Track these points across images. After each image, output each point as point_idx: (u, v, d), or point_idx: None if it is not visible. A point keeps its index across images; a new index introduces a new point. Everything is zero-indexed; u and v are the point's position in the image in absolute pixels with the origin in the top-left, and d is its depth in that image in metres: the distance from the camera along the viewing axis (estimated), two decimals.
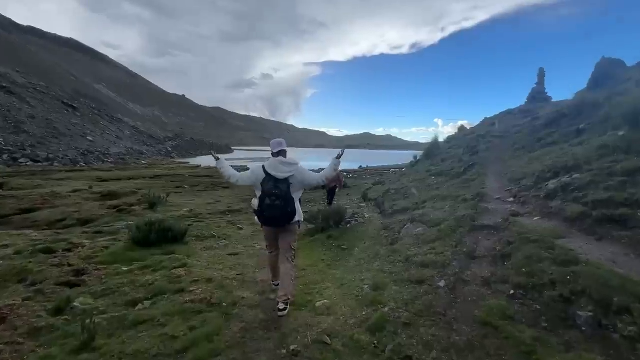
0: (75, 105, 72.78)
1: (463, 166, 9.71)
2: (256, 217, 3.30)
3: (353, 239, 6.29)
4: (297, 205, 3.27)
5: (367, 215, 8.34)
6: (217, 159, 3.54)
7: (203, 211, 10.07)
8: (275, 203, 3.05)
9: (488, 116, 18.29)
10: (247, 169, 3.55)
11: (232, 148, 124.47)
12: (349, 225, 7.52)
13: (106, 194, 11.16)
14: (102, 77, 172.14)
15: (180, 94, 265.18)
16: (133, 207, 9.09)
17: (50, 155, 38.79)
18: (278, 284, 3.48)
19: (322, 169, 3.49)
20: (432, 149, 14.25)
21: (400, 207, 7.51)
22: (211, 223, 7.94)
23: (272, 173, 3.12)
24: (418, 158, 14.95)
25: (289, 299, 3.22)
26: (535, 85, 17.92)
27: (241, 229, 7.56)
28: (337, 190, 11.12)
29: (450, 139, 16.02)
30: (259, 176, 3.18)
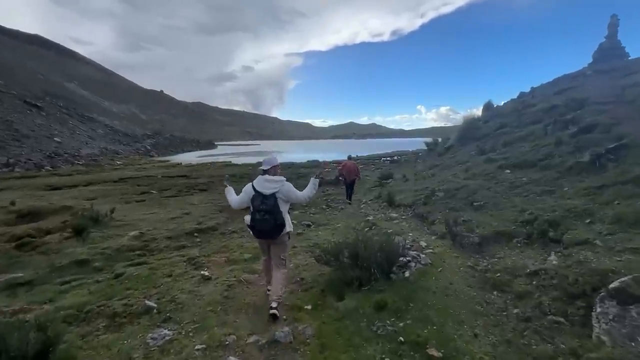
0: (39, 105, 67.22)
1: (583, 152, 6.30)
2: (250, 231, 3.55)
3: (432, 315, 3.16)
4: (287, 216, 3.52)
5: (428, 247, 5.08)
6: (226, 186, 3.95)
7: (160, 234, 7.18)
8: (264, 217, 3.30)
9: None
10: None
11: (216, 143, 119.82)
12: (407, 274, 4.06)
13: (25, 213, 8.10)
14: (74, 75, 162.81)
15: (158, 89, 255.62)
16: (49, 237, 6.11)
17: (11, 160, 34.68)
18: (275, 302, 3.46)
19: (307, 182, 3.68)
20: (470, 130, 11.05)
21: (491, 228, 4.60)
22: (160, 265, 5.04)
23: (260, 190, 3.40)
24: (448, 143, 11.85)
25: (280, 298, 3.54)
26: (604, 40, 14.87)
27: (208, 278, 4.50)
28: (356, 182, 10.38)
29: (483, 119, 12.74)
30: (249, 194, 3.47)
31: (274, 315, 3.31)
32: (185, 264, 5.03)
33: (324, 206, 10.52)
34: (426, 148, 24.37)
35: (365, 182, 16.80)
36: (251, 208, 3.40)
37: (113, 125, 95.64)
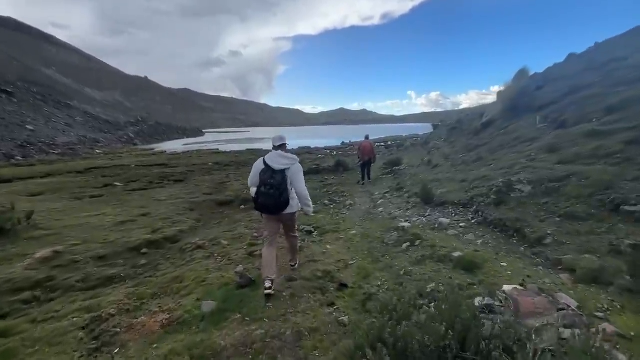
0: (10, 90, 62.64)
1: None
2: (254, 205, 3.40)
3: None
4: (295, 196, 3.40)
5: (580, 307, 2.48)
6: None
7: (89, 251, 4.76)
8: (269, 192, 3.18)
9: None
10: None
11: (203, 131, 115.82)
12: None
13: None
14: (53, 61, 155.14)
15: (143, 75, 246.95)
16: None
17: None
18: (269, 279, 3.25)
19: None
20: (521, 99, 8.31)
21: None
22: (26, 341, 2.59)
23: (270, 164, 3.28)
24: (486, 118, 9.01)
25: (295, 263, 3.87)
26: None
27: None
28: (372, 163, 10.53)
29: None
30: (259, 168, 3.33)
31: (268, 294, 3.17)
32: (81, 334, 2.62)
33: (326, 201, 8.19)
34: (431, 129, 22.01)
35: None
36: (258, 181, 3.28)
37: (95, 113, 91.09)
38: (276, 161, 3.28)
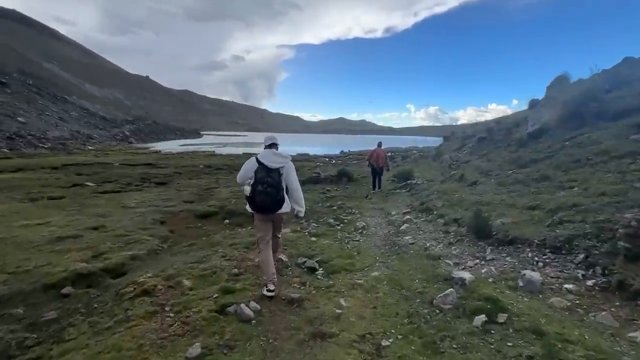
0: (4, 81, 60.92)
1: None
2: (247, 205, 3.33)
3: None
4: (286, 195, 3.36)
5: None
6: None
7: None
8: (267, 190, 3.14)
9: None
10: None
11: (202, 133, 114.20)
12: None
13: None
14: (54, 55, 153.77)
15: (144, 75, 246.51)
16: None
17: None
18: (271, 282, 3.22)
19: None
20: (585, 105, 6.55)
21: None
22: None
23: (265, 162, 3.22)
24: (533, 127, 7.02)
25: (281, 257, 3.84)
26: None
27: None
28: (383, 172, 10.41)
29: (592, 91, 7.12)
30: (252, 166, 3.27)
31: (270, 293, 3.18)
32: None
33: (331, 220, 6.55)
34: (442, 141, 20.64)
35: (370, 180, 12.88)
36: (253, 180, 3.21)
37: (93, 109, 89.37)
38: (271, 160, 3.26)
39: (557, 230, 3.59)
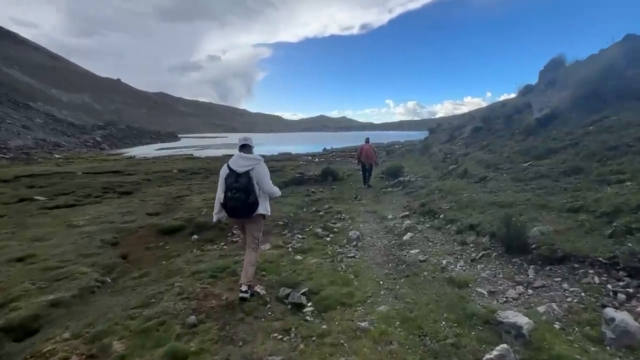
0: None
1: None
2: (215, 213, 3.48)
3: None
4: (262, 198, 3.33)
5: None
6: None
7: None
8: (235, 195, 3.13)
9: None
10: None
11: (179, 136, 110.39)
12: None
13: None
14: (16, 59, 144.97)
15: (115, 77, 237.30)
16: None
17: None
18: (244, 285, 3.19)
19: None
20: (606, 83, 5.65)
21: None
22: None
23: (233, 168, 3.23)
24: (541, 112, 6.02)
25: (250, 281, 3.28)
26: None
27: None
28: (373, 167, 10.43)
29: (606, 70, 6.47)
30: (224, 173, 3.30)
31: (243, 298, 3.09)
32: None
33: (319, 229, 5.56)
34: (428, 134, 20.13)
35: (357, 177, 12.00)
36: (224, 186, 3.25)
37: (61, 115, 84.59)
38: (238, 164, 3.24)
39: (629, 244, 2.74)
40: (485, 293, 2.83)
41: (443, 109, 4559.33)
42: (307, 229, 5.96)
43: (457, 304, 2.71)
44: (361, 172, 10.90)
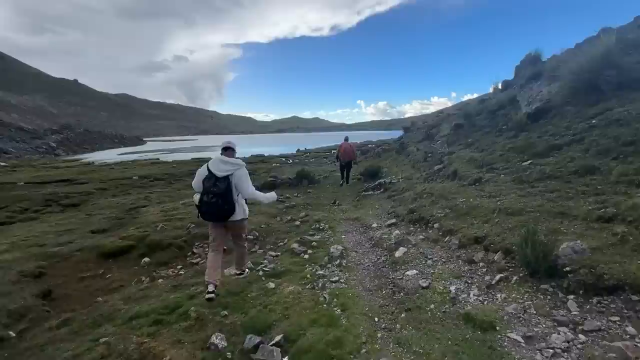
0: None
1: None
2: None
3: None
4: (242, 202, 3.30)
5: None
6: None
7: None
8: (211, 200, 3.05)
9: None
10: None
11: (145, 139, 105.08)
12: None
13: None
14: None
15: (72, 78, 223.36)
16: None
17: None
18: (212, 284, 3.12)
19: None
20: (603, 73, 5.18)
21: None
22: None
23: (213, 171, 3.12)
24: (532, 106, 5.43)
25: (243, 270, 3.69)
26: None
27: None
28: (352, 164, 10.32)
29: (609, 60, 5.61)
30: (203, 174, 3.19)
31: (210, 299, 3.05)
32: None
33: (295, 244, 4.77)
34: (402, 133, 19.98)
35: (334, 179, 11.38)
36: (202, 189, 3.14)
37: (8, 119, 77.73)
38: (218, 167, 3.13)
39: None
40: (520, 339, 2.15)
41: (412, 109, 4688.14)
42: (282, 244, 5.15)
43: (484, 356, 2.03)
44: (339, 172, 11.03)
